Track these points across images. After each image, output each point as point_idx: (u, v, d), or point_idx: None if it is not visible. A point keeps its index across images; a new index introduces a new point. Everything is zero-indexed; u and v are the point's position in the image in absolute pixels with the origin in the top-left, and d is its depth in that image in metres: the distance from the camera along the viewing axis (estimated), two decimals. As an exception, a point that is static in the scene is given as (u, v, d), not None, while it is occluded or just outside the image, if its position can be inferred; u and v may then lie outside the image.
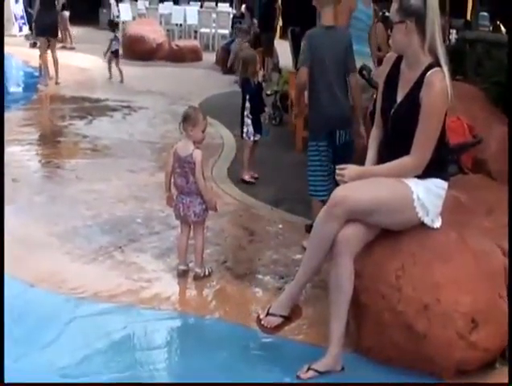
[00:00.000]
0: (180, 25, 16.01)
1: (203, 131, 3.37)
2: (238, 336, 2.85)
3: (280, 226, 4.21)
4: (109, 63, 9.95)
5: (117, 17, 16.30)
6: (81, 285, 3.22)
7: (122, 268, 3.46)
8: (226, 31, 14.08)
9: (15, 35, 14.35)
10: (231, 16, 14.65)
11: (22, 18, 14.96)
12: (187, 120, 3.31)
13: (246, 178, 5.09)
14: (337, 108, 3.67)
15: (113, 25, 10.26)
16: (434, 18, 2.51)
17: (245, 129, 5.07)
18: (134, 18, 15.39)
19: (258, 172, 5.17)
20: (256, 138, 5.11)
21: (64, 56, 10.00)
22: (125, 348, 2.73)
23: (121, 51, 12.73)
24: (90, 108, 7.95)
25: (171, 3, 16.84)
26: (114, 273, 3.40)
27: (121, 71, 9.91)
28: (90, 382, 2.48)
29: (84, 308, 3.01)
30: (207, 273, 3.39)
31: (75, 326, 2.85)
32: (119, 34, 10.31)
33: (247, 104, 5.03)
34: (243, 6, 13.53)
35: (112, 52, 9.86)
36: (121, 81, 9.85)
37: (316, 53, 3.69)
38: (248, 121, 5.04)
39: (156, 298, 3.15)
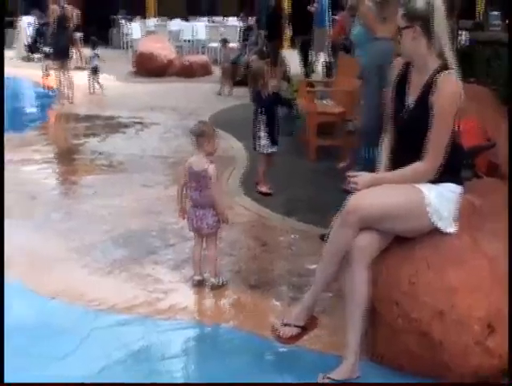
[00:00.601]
0: (189, 41, 16.22)
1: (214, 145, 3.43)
2: (254, 345, 2.87)
3: (293, 236, 4.22)
4: (89, 78, 10.34)
5: (128, 35, 16.54)
6: (99, 297, 3.28)
7: (139, 280, 3.51)
8: (234, 45, 14.22)
9: (33, 59, 14.62)
10: (238, 29, 14.85)
11: (47, 42, 15.15)
12: (201, 134, 3.37)
13: (263, 189, 5.08)
14: (363, 121, 3.66)
15: (93, 43, 10.56)
16: (440, 20, 2.54)
17: (258, 142, 5.07)
18: (144, 36, 15.61)
19: (271, 182, 5.18)
20: (273, 150, 5.07)
21: (76, 76, 10.17)
22: (143, 358, 2.77)
23: (132, 69, 13.00)
24: (103, 125, 8.04)
25: (179, 20, 17.05)
26: (131, 285, 3.45)
27: (100, 85, 10.38)
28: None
29: (102, 319, 3.07)
30: (221, 283, 3.43)
31: (93, 338, 2.90)
32: (99, 52, 10.76)
33: (261, 117, 5.02)
34: (249, 18, 13.73)
35: (92, 68, 10.29)
36: (102, 93, 10.32)
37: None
38: (262, 134, 5.04)
39: (172, 309, 3.19)
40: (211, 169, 3.33)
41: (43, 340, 2.84)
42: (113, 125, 8.05)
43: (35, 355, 2.59)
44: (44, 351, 2.75)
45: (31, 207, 4.70)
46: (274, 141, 5.05)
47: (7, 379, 2.39)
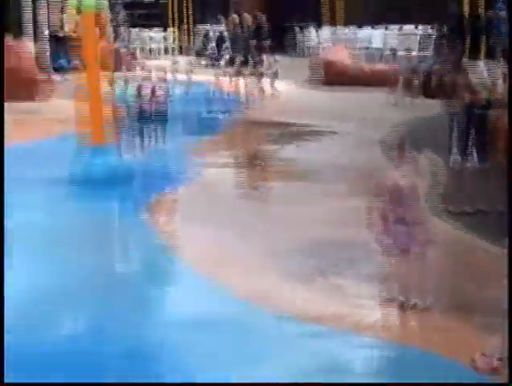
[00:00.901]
0: (368, 48, 16.07)
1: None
2: (450, 372, 2.73)
3: (496, 259, 3.85)
4: (265, 84, 10.73)
5: (306, 42, 16.88)
6: (286, 304, 3.35)
7: (328, 291, 3.52)
8: (413, 53, 13.81)
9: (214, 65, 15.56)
10: (418, 37, 14.43)
11: (226, 49, 16.03)
12: (401, 147, 3.30)
13: (456, 209, 4.81)
14: None
15: (273, 50, 10.96)
16: None
17: (453, 158, 4.85)
18: (322, 44, 15.85)
19: (468, 202, 4.84)
20: (482, 166, 4.85)
21: (252, 82, 10.57)
22: (331, 372, 2.75)
23: (311, 76, 13.17)
24: (285, 132, 8.14)
25: (356, 28, 16.96)
26: (319, 295, 3.47)
27: (277, 91, 10.66)
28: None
29: (289, 327, 3.12)
30: (420, 304, 3.27)
31: (280, 343, 2.97)
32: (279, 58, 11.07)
33: (460, 131, 4.78)
34: (429, 26, 13.27)
35: (271, 74, 10.71)
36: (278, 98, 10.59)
37: None
38: (455, 149, 4.81)
39: (363, 325, 3.16)
40: (418, 184, 3.24)
41: (231, 341, 2.96)
42: (295, 133, 8.10)
43: (221, 355, 2.74)
44: (230, 351, 2.87)
45: (216, 209, 4.87)
46: (482, 157, 4.77)
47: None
